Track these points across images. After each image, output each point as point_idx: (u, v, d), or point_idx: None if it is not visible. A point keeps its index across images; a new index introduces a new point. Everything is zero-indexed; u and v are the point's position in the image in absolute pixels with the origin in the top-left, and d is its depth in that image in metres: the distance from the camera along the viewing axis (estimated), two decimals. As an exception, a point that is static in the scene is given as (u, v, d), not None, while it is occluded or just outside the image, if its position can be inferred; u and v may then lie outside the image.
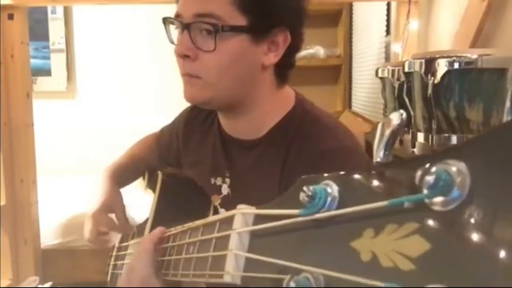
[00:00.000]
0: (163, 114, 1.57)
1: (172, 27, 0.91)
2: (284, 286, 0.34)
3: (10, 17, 2.28)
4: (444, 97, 1.06)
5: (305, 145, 0.87)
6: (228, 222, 0.49)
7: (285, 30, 0.86)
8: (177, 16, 0.87)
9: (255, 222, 0.45)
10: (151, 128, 1.27)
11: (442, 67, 1.04)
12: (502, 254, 0.23)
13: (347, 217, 0.32)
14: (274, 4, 0.86)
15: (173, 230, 0.70)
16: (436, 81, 1.05)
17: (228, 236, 0.48)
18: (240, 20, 0.83)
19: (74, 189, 2.83)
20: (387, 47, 2.52)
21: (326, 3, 3.09)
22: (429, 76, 1.07)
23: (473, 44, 1.44)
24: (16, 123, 2.35)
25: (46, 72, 3.62)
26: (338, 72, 3.57)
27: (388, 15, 2.54)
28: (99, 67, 3.62)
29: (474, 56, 1.02)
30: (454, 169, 0.26)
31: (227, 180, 0.97)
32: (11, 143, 2.34)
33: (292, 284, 0.34)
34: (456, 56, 1.03)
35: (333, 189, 0.34)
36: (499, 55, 1.03)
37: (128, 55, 3.57)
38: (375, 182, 0.32)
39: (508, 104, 0.93)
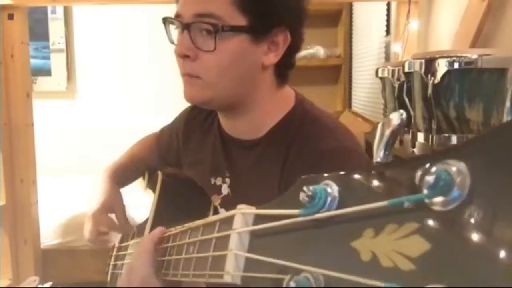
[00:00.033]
0: (163, 114, 1.57)
1: (172, 27, 0.91)
2: (284, 286, 0.34)
3: (10, 17, 2.28)
4: (444, 97, 1.06)
5: (305, 145, 0.87)
6: (228, 222, 0.49)
7: (285, 30, 0.86)
8: (177, 16, 0.87)
9: (255, 222, 0.45)
10: (151, 128, 1.27)
11: (442, 67, 1.04)
12: (502, 254, 0.23)
13: (347, 217, 0.32)
14: (274, 4, 0.86)
15: (173, 230, 0.70)
16: (436, 81, 1.05)
17: (228, 236, 0.48)
18: (240, 20, 0.83)
19: (74, 189, 2.83)
20: (387, 47, 2.52)
21: (326, 3, 3.09)
22: (429, 76, 1.07)
23: (473, 44, 1.44)
24: (16, 123, 2.35)
25: (46, 72, 3.62)
26: (338, 72, 3.57)
27: (388, 15, 2.54)
28: (99, 67, 3.62)
29: (474, 56, 1.02)
30: (454, 169, 0.26)
31: (227, 180, 0.97)
32: (11, 143, 2.34)
33: (292, 284, 0.34)
34: (456, 56, 1.03)
35: (333, 189, 0.34)
36: (499, 55, 1.03)
37: (128, 55, 3.57)
38: (375, 182, 0.32)
39: (508, 104, 0.93)
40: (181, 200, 1.04)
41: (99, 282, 1.50)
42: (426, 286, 0.25)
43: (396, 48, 2.16)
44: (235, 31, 0.83)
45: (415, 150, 1.23)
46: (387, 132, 0.34)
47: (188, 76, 0.87)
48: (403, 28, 2.03)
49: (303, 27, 0.90)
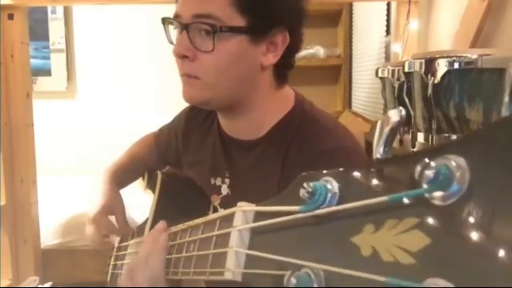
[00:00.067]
0: (163, 114, 1.57)
1: (171, 27, 0.91)
2: (285, 282, 0.35)
3: (10, 17, 2.28)
4: (444, 97, 1.06)
5: (305, 145, 0.87)
6: (228, 220, 0.49)
7: (284, 31, 0.86)
8: (176, 16, 0.87)
9: (256, 219, 0.45)
10: (151, 128, 1.27)
11: (442, 67, 1.04)
12: (502, 248, 0.23)
13: (347, 213, 0.32)
14: (273, 5, 0.85)
15: (173, 229, 0.70)
16: (436, 81, 1.05)
17: (228, 234, 0.48)
18: (239, 21, 0.83)
19: (74, 189, 2.83)
20: (387, 47, 2.52)
21: (326, 3, 3.09)
22: (429, 76, 1.07)
23: (473, 44, 1.44)
24: (16, 123, 2.35)
25: (46, 72, 3.62)
26: (338, 72, 3.58)
27: (388, 15, 2.54)
28: (99, 67, 3.62)
29: (474, 56, 1.02)
30: (453, 163, 0.27)
31: (227, 180, 0.97)
32: (11, 143, 2.34)
33: (293, 280, 0.34)
34: (456, 56, 1.03)
35: (333, 185, 0.34)
36: (499, 55, 1.03)
37: (128, 55, 3.58)
38: (375, 178, 0.32)
39: (506, 99, 0.93)
40: (180, 200, 1.04)
41: (99, 282, 1.50)
42: (426, 287, 0.25)
43: (396, 48, 2.16)
44: (234, 32, 0.83)
45: (415, 150, 1.23)
46: (386, 129, 0.35)
47: (187, 77, 0.87)
48: (403, 28, 2.03)
49: (302, 28, 0.90)
